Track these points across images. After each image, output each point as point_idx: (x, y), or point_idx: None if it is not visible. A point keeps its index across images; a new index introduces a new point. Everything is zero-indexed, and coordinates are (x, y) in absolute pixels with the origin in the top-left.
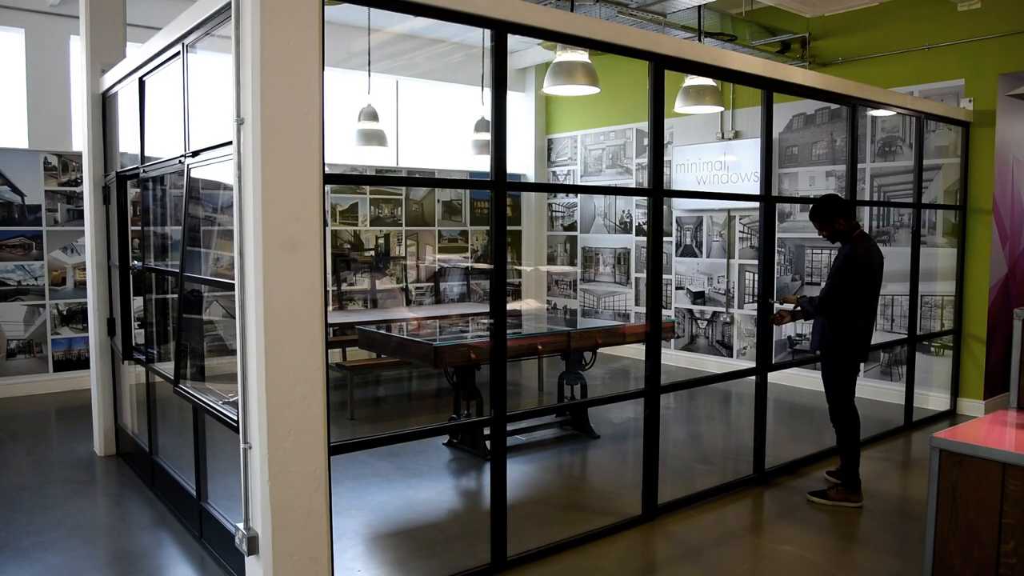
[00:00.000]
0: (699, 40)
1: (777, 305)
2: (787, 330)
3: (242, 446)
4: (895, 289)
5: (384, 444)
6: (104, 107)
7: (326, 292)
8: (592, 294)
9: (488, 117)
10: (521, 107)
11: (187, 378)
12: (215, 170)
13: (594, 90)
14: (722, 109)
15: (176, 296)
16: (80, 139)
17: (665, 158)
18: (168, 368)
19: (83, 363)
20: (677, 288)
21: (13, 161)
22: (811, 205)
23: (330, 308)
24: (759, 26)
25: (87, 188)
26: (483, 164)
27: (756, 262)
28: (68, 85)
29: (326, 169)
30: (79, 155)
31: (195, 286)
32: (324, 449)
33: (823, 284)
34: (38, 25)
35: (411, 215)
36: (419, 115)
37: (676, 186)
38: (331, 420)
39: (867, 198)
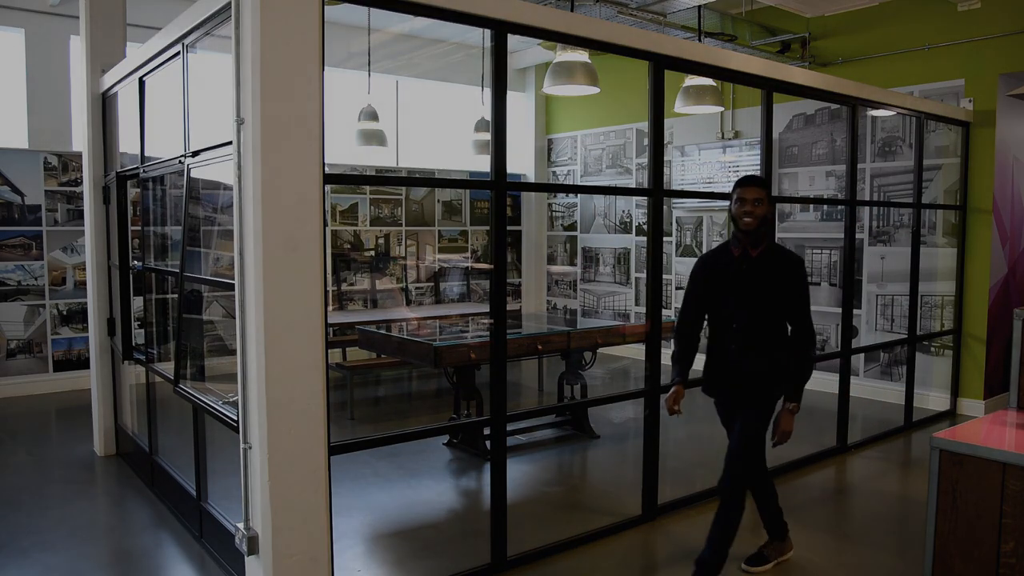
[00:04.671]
0: (699, 40)
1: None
2: None
3: (242, 446)
4: (895, 289)
5: (384, 444)
6: (104, 107)
7: (326, 292)
8: (592, 294)
9: (488, 117)
10: (521, 107)
11: (187, 378)
12: (215, 170)
13: (594, 90)
14: (722, 109)
15: (176, 296)
16: (80, 139)
17: (665, 158)
18: (168, 368)
19: (83, 363)
20: (677, 288)
21: (13, 161)
22: (750, 176)
23: (330, 308)
24: (759, 26)
25: (87, 188)
26: (483, 164)
27: None
28: (68, 85)
29: (326, 169)
30: (79, 155)
31: (195, 286)
32: (324, 449)
33: (798, 307)
34: (38, 25)
35: (411, 215)
36: (419, 115)
37: (676, 186)
38: (331, 420)
39: (867, 198)
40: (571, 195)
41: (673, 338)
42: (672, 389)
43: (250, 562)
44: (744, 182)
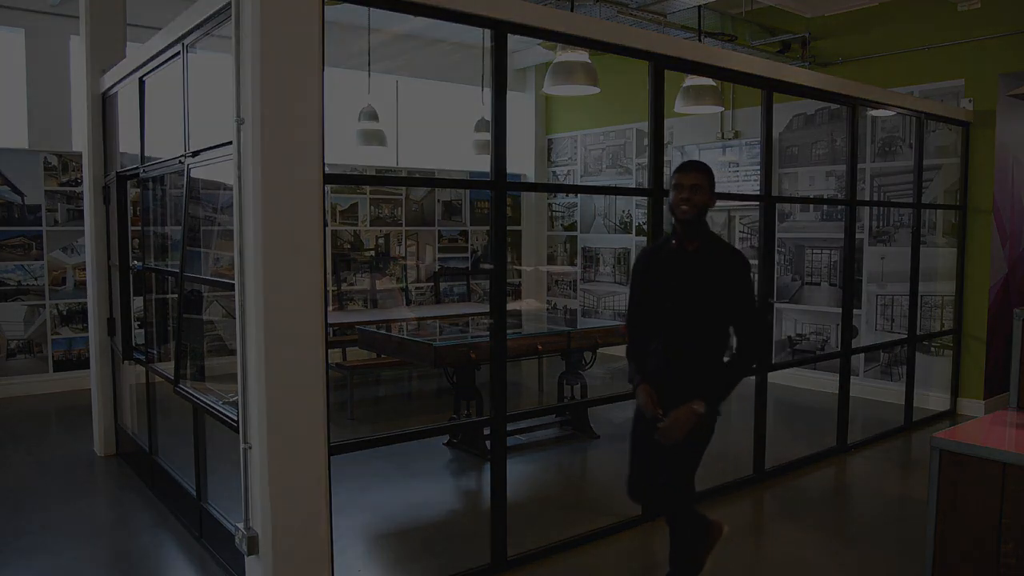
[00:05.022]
0: (699, 40)
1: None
2: (787, 329)
3: (242, 446)
4: (895, 289)
5: (384, 444)
6: (104, 107)
7: (326, 292)
8: (592, 294)
9: (488, 117)
10: (521, 107)
11: (187, 378)
12: (215, 170)
13: (594, 90)
14: (722, 109)
15: (176, 296)
16: (80, 139)
17: (665, 158)
18: (168, 368)
19: (83, 363)
20: None
21: (13, 161)
22: (690, 161)
23: (330, 308)
24: (759, 26)
25: (87, 188)
26: (483, 164)
27: (756, 262)
28: (68, 85)
29: (326, 169)
30: (79, 155)
31: (195, 286)
32: (324, 449)
33: (741, 310)
34: (38, 25)
35: (411, 215)
36: (419, 115)
37: None
38: (331, 420)
39: (867, 198)
40: (571, 195)
41: (627, 336)
42: (638, 391)
43: (250, 562)
44: (683, 167)
